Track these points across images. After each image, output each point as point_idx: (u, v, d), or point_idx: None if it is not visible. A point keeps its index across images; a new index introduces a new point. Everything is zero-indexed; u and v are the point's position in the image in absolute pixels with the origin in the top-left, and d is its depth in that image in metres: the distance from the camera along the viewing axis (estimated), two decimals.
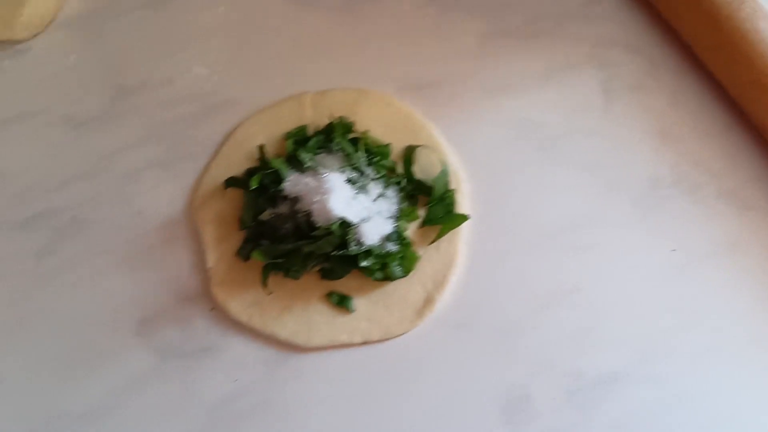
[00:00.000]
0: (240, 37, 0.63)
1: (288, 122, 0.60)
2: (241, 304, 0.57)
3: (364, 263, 0.55)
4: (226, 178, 0.59)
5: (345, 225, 0.53)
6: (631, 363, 0.57)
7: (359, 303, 0.57)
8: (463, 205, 0.59)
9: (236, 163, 0.60)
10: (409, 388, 0.56)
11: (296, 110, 0.61)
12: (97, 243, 0.59)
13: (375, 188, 0.56)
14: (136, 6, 0.64)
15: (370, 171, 0.56)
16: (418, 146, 0.59)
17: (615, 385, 0.56)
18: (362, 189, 0.55)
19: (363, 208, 0.54)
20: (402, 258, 0.56)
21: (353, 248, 0.54)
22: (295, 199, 0.55)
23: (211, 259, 0.58)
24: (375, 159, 0.57)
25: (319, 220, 0.53)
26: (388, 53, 0.63)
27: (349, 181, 0.55)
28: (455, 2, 0.64)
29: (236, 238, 0.58)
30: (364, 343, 0.57)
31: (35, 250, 0.59)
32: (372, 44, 0.63)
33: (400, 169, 0.59)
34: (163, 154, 0.61)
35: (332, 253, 0.54)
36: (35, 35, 0.63)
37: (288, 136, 0.59)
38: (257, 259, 0.55)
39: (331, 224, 0.53)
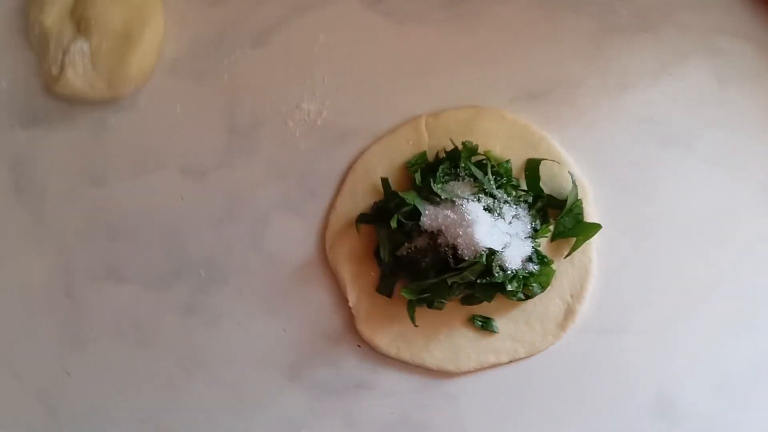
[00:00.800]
0: (343, 64, 0.62)
1: (405, 149, 0.60)
2: (387, 337, 0.58)
3: (509, 287, 0.55)
4: (352, 213, 0.59)
5: (490, 254, 0.53)
6: None
7: (501, 323, 0.58)
8: (591, 214, 0.59)
9: (361, 196, 0.60)
10: (557, 398, 0.58)
11: (412, 136, 0.60)
12: (235, 293, 0.60)
13: (509, 211, 0.56)
14: (235, 46, 0.62)
15: (500, 194, 0.56)
16: (541, 160, 0.59)
17: (764, 375, 0.57)
18: (498, 214, 0.55)
19: (504, 234, 0.55)
20: (540, 275, 0.57)
21: (498, 275, 0.54)
22: (435, 233, 0.55)
23: (352, 297, 0.58)
24: (503, 180, 0.57)
25: (466, 252, 0.53)
26: (497, 64, 0.62)
27: (486, 208, 0.55)
28: (560, 2, 0.62)
29: (373, 274, 0.58)
30: (511, 360, 0.58)
31: (179, 307, 0.60)
32: (479, 56, 0.62)
33: (521, 183, 0.59)
34: (286, 195, 0.61)
35: (477, 281, 0.55)
36: (138, 89, 0.62)
37: (409, 165, 0.59)
38: (404, 296, 0.56)
39: (479, 256, 0.53)
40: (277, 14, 0.63)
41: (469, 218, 0.53)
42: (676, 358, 0.58)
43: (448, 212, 0.54)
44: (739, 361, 0.58)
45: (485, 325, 0.58)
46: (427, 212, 0.55)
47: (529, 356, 0.58)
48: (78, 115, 0.62)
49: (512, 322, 0.58)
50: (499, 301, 0.57)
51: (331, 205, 0.60)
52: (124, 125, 0.62)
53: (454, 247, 0.54)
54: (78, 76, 0.59)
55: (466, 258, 0.53)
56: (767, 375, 0.58)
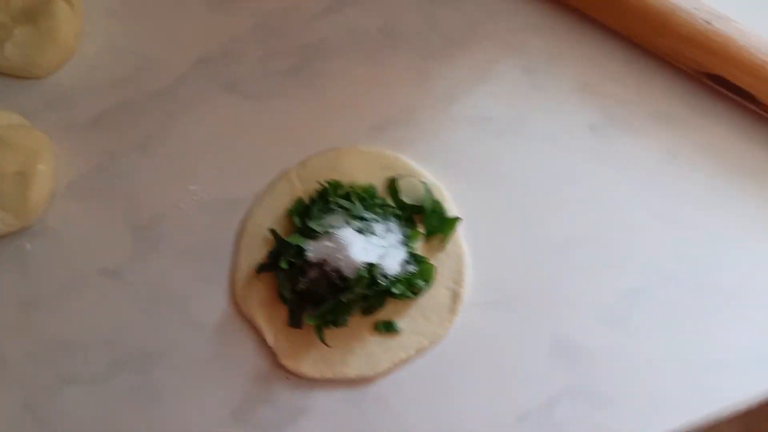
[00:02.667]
0: (219, 146, 0.72)
1: (285, 200, 0.70)
2: (309, 363, 0.66)
3: (395, 291, 0.64)
4: (253, 267, 0.68)
5: (370, 267, 0.62)
6: (646, 274, 0.67)
7: (402, 323, 0.66)
8: (451, 209, 0.69)
9: (257, 251, 0.69)
10: (472, 368, 0.66)
11: (287, 188, 0.70)
12: (175, 365, 0.67)
13: (379, 227, 0.65)
14: (122, 156, 0.72)
15: (369, 215, 0.66)
16: (396, 177, 0.68)
17: (639, 297, 0.67)
18: (370, 232, 0.64)
19: (378, 247, 0.64)
20: (422, 273, 0.66)
21: (382, 282, 0.63)
22: (321, 263, 0.64)
23: (270, 337, 0.66)
24: (368, 203, 0.67)
25: (348, 272, 0.62)
26: (345, 110, 0.72)
27: (358, 230, 0.64)
28: (382, 46, 0.74)
29: (284, 312, 0.67)
30: (419, 351, 0.66)
31: (124, 392, 0.67)
32: (329, 108, 0.72)
33: (390, 201, 0.68)
34: (196, 269, 0.69)
35: (367, 293, 0.64)
36: (45, 214, 0.71)
37: (291, 212, 0.68)
38: (310, 323, 0.64)
39: (360, 272, 0.62)
40: (155, 122, 0.73)
41: (343, 242, 0.62)
42: (559, 306, 0.67)
43: (327, 242, 0.63)
44: (614, 293, 0.67)
45: (388, 328, 0.66)
46: (310, 248, 0.64)
47: (433, 344, 0.66)
48: None
49: (412, 319, 0.67)
50: (395, 305, 0.66)
51: (235, 266, 0.69)
52: (41, 247, 0.70)
53: (338, 270, 0.63)
54: None
55: (351, 277, 0.62)
56: (644, 296, 0.67)
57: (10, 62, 0.72)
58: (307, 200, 0.69)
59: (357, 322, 0.66)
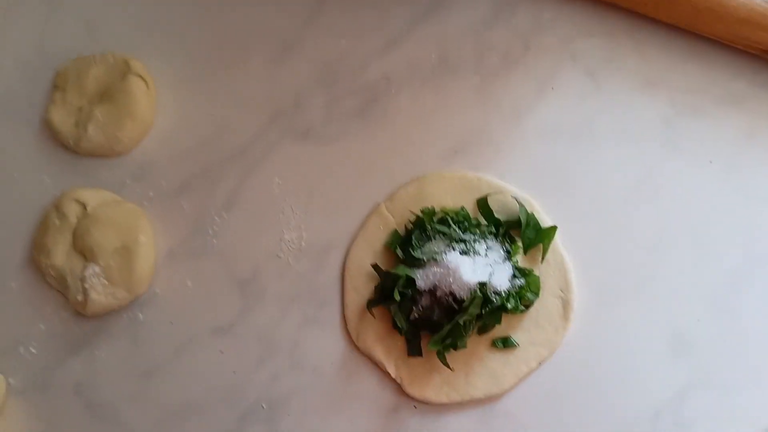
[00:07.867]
0: (301, 191, 0.73)
1: (380, 234, 0.71)
2: (434, 389, 0.67)
3: (509, 306, 0.65)
4: (362, 303, 0.69)
5: (482, 286, 0.64)
6: (744, 253, 0.69)
7: (517, 336, 0.68)
8: (544, 219, 0.70)
9: (362, 287, 0.70)
10: (593, 372, 0.67)
11: (380, 222, 0.72)
12: (300, 411, 0.69)
13: (480, 246, 0.67)
14: (212, 215, 0.74)
15: (468, 236, 0.67)
16: (486, 196, 0.70)
17: (742, 278, 0.68)
18: (474, 252, 0.66)
19: (485, 266, 0.65)
20: (530, 285, 0.67)
21: (495, 300, 0.65)
22: (432, 290, 0.65)
23: (392, 369, 0.68)
24: (465, 224, 0.68)
25: (462, 294, 0.64)
26: (417, 139, 0.74)
27: (462, 252, 0.66)
28: (442, 73, 0.76)
29: (401, 343, 0.68)
30: (540, 362, 0.67)
31: None
32: (400, 139, 0.74)
33: (482, 220, 0.70)
34: (303, 314, 0.71)
35: (481, 312, 0.65)
36: (151, 283, 0.73)
37: (390, 245, 0.70)
38: (432, 349, 0.65)
39: (473, 292, 0.64)
40: (234, 179, 0.75)
41: (452, 266, 0.64)
42: (667, 298, 0.68)
43: (435, 269, 0.65)
44: (718, 277, 0.69)
45: (506, 343, 0.67)
46: (418, 276, 0.65)
47: (551, 353, 0.68)
48: (111, 325, 0.72)
49: (526, 331, 0.68)
50: (508, 320, 0.67)
51: (343, 305, 0.71)
52: (152, 315, 0.72)
53: (452, 294, 0.64)
54: (101, 294, 0.69)
55: (465, 298, 0.64)
56: (742, 281, 0.69)
57: (93, 143, 0.75)
58: (402, 231, 0.71)
59: (473, 341, 0.67)
